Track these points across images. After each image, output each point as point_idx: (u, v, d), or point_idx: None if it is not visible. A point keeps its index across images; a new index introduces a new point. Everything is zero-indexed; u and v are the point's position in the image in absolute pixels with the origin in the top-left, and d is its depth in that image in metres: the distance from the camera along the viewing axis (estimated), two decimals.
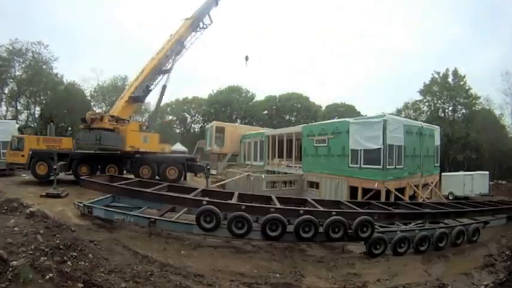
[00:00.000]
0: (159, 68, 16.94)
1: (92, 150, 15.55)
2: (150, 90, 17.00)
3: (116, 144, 14.74)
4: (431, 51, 65.68)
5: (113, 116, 15.52)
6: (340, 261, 7.33)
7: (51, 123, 17.71)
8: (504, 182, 27.67)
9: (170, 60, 17.21)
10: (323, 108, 51.90)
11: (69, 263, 4.46)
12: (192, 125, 53.96)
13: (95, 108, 37.82)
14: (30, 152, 14.05)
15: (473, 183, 20.62)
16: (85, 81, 41.11)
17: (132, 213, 8.19)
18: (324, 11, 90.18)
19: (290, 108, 51.78)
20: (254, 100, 52.02)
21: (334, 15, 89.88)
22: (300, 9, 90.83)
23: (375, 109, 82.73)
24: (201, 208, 7.63)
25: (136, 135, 15.58)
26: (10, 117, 31.46)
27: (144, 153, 15.56)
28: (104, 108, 37.24)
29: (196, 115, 53.16)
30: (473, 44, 63.27)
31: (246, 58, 21.37)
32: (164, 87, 17.26)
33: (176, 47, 17.28)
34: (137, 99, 16.58)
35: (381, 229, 8.53)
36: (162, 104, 20.37)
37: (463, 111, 36.61)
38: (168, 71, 17.27)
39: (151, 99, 18.69)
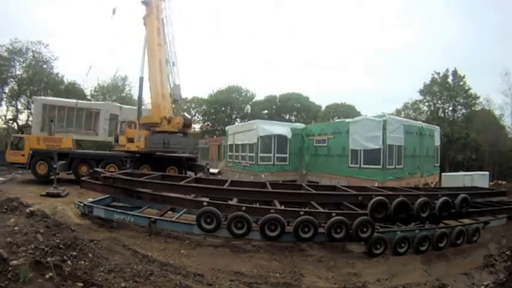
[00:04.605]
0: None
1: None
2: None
3: None
4: (431, 51, 65.73)
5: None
6: (340, 261, 7.32)
7: (52, 123, 17.73)
8: (504, 182, 27.63)
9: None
10: (323, 108, 51.92)
11: (69, 262, 4.45)
12: (192, 125, 54.02)
13: None
14: (31, 152, 14.07)
15: (473, 183, 20.59)
16: (85, 81, 41.02)
17: (132, 212, 8.18)
18: (324, 10, 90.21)
19: (290, 108, 51.80)
20: (254, 100, 52.02)
21: (335, 14, 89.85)
22: (300, 9, 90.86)
23: (375, 109, 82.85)
24: (201, 209, 7.63)
25: None
26: (10, 117, 31.53)
27: (144, 152, 15.56)
28: None
29: (197, 115, 53.22)
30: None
31: (113, 11, 18.42)
32: (141, 80, 17.10)
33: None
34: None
35: (381, 229, 8.53)
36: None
37: (463, 111, 36.57)
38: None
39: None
